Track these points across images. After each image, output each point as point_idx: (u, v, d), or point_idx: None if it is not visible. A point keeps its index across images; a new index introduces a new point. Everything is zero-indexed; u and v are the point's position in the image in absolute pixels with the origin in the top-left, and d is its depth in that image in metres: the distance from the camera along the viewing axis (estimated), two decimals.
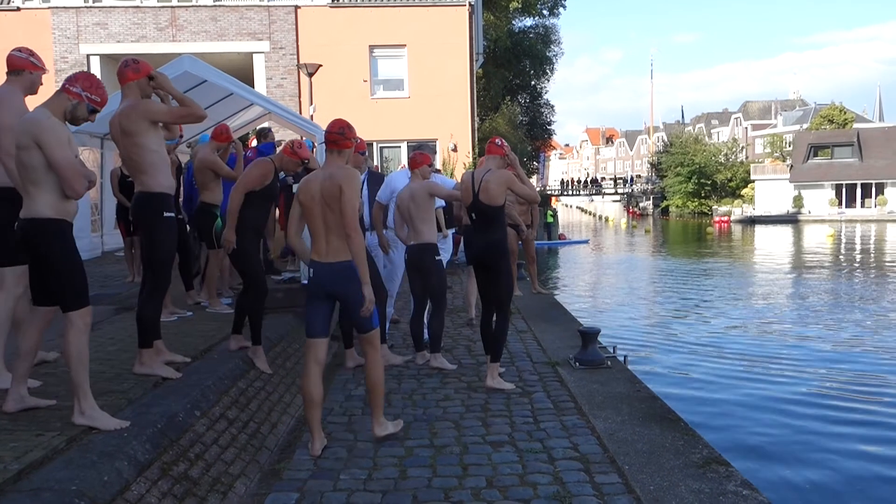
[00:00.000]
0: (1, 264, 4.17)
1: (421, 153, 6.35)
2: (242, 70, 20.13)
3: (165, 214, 4.60)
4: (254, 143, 10.51)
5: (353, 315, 4.24)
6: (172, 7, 20.74)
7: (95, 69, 20.05)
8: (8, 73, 4.21)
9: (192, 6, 20.83)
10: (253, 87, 14.64)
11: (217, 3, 20.95)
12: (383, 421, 4.46)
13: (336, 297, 4.27)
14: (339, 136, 4.28)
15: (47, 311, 3.73)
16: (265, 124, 11.66)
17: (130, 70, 4.53)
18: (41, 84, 4.32)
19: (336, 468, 3.98)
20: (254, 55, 21.06)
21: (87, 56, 20.32)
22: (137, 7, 20.57)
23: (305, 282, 7.30)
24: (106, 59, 20.32)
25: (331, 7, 21.23)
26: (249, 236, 5.28)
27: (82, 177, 3.58)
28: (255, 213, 5.28)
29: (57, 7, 20.31)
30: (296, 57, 20.75)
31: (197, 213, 7.03)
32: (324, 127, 9.38)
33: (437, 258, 6.11)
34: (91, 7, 20.50)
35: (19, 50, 4.22)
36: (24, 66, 4.19)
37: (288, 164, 5.49)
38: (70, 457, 3.15)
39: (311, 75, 16.43)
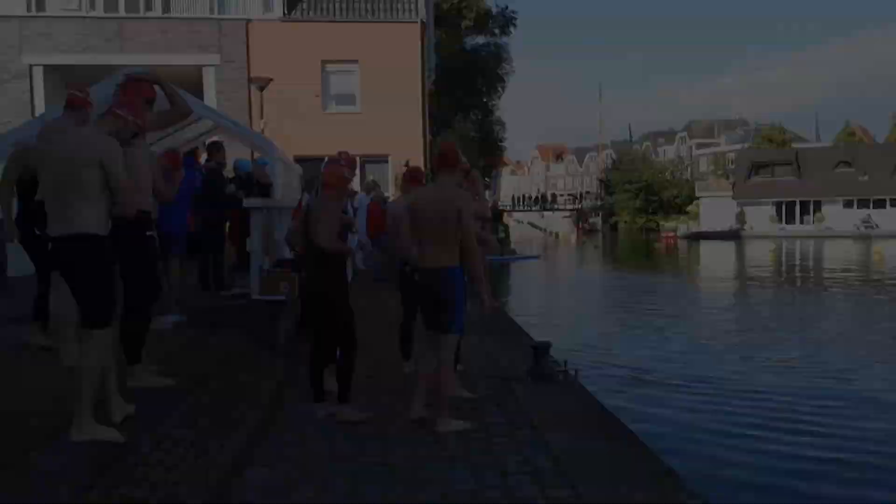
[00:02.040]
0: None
1: (415, 167, 6.30)
2: (192, 83, 19.82)
3: (148, 234, 4.67)
4: (203, 157, 10.30)
5: (440, 315, 4.70)
6: (119, 18, 20.34)
7: (38, 80, 19.54)
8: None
9: (141, 18, 20.47)
10: (202, 101, 14.43)
11: (166, 16, 20.63)
12: (446, 418, 4.70)
13: (433, 298, 4.71)
14: (455, 157, 4.79)
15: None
16: (215, 138, 11.50)
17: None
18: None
19: (286, 488, 3.91)
20: (203, 68, 20.77)
21: (30, 66, 19.76)
22: (83, 17, 20.10)
23: (256, 297, 7.22)
24: (50, 69, 19.77)
25: (282, 21, 21.12)
26: None
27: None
28: None
29: None
30: (246, 71, 20.54)
31: None
32: (275, 141, 9.32)
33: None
34: (35, 16, 19.96)
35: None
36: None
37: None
38: (5, 482, 3.03)
39: (261, 89, 16.28)
